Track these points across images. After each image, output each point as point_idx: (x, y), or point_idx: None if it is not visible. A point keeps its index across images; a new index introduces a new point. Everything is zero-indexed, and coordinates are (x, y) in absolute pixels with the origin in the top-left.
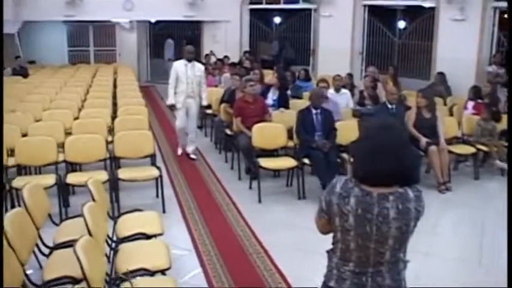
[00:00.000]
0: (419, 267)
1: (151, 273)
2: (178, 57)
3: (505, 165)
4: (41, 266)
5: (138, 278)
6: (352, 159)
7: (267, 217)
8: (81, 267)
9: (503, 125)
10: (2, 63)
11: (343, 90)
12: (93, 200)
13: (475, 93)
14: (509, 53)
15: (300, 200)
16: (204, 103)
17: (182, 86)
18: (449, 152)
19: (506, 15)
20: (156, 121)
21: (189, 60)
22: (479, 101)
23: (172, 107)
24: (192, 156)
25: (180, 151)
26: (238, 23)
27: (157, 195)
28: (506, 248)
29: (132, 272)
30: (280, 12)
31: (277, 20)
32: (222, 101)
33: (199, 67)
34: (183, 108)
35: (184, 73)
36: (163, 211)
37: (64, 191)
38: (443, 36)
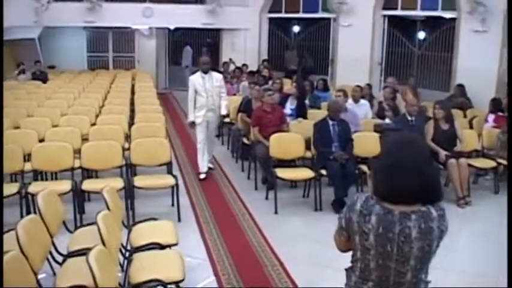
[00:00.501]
0: (438, 283)
1: (165, 285)
2: (196, 64)
3: None
4: (54, 273)
5: None
6: (372, 176)
7: (283, 228)
8: (93, 277)
9: None
10: (1, 64)
11: (362, 101)
12: (108, 208)
13: (495, 105)
14: (508, 55)
15: (317, 212)
16: (223, 112)
17: (202, 100)
18: (469, 165)
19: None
20: (173, 128)
21: (205, 72)
22: (500, 113)
23: (192, 125)
24: (209, 165)
25: (203, 175)
26: (257, 32)
27: (172, 204)
28: (507, 248)
29: (145, 282)
30: (299, 21)
31: (296, 29)
32: (239, 110)
33: (217, 77)
34: (204, 122)
35: (202, 86)
36: (179, 220)
37: (80, 197)
38: (463, 48)
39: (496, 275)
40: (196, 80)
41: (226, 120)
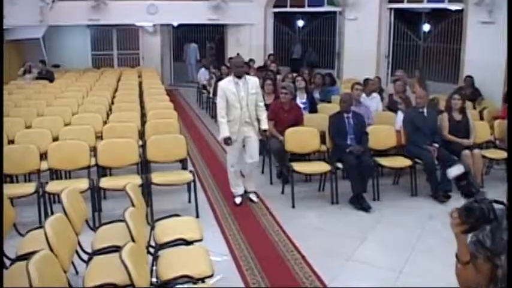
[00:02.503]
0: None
1: (195, 281)
2: (201, 61)
3: None
4: (77, 271)
5: (180, 286)
6: None
7: (302, 222)
8: (129, 275)
9: None
10: (2, 62)
11: (374, 94)
12: (133, 205)
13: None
14: (508, 54)
15: (334, 205)
16: (264, 126)
17: (235, 112)
18: (482, 156)
19: None
20: (183, 124)
21: (240, 77)
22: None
23: (227, 141)
24: (253, 197)
25: (239, 199)
26: (262, 26)
27: (189, 200)
28: (507, 247)
29: (174, 279)
30: (303, 15)
31: (300, 23)
32: None
33: (253, 82)
34: (238, 140)
35: (236, 94)
36: (197, 216)
37: (97, 195)
38: (471, 39)
39: None
40: (227, 86)
41: None
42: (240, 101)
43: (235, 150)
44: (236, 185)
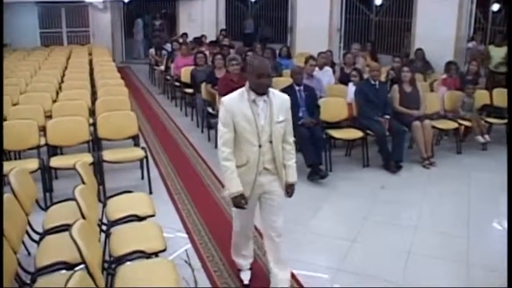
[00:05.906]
0: (410, 241)
1: (147, 256)
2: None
3: (482, 140)
4: (29, 253)
5: (130, 262)
6: None
7: None
8: (80, 252)
9: (482, 100)
10: (2, 54)
11: (326, 68)
12: (83, 182)
13: (448, 68)
14: (508, 47)
15: None
16: (291, 179)
17: (249, 152)
18: (432, 127)
19: None
20: (134, 101)
21: (262, 94)
22: (446, 76)
23: (241, 202)
24: None
25: (246, 276)
26: (214, 1)
27: (142, 177)
28: (507, 248)
29: (127, 255)
30: None
31: None
32: (201, 81)
33: (281, 102)
34: (252, 198)
35: (252, 121)
36: (150, 192)
37: (48, 175)
38: (421, 13)
39: (464, 233)
40: (238, 106)
41: (189, 90)
42: (259, 133)
43: (247, 212)
44: (240, 254)
